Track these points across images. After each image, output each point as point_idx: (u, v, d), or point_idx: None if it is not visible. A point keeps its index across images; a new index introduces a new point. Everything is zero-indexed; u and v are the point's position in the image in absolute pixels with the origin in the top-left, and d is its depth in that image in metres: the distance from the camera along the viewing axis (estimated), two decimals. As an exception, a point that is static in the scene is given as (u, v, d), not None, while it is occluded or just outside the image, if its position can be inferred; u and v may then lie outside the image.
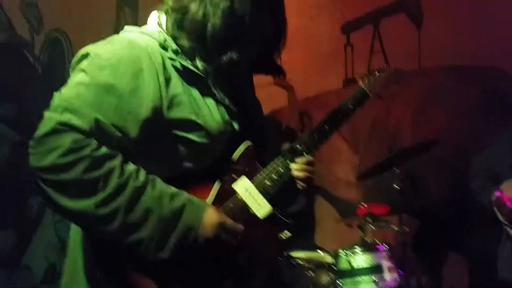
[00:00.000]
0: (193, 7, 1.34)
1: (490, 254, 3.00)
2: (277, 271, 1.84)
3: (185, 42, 1.35)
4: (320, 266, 2.94)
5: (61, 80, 1.35)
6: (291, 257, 2.93)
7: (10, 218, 2.76)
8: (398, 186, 3.18)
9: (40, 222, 2.79)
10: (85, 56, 1.29)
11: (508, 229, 2.86)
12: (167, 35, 1.37)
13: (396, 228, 3.18)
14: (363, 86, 1.74)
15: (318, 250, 3.13)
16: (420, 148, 3.38)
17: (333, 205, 4.37)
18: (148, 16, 1.46)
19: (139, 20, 3.00)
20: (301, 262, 2.93)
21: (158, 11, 1.43)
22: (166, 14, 1.40)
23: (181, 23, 1.36)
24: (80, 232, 1.35)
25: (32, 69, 2.76)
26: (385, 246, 2.96)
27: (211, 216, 1.30)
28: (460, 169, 3.42)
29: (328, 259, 2.97)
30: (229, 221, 1.34)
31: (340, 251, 2.92)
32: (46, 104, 1.26)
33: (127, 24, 1.48)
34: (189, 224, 1.26)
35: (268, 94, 4.06)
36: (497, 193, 2.97)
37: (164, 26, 1.39)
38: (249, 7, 1.33)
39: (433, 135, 3.73)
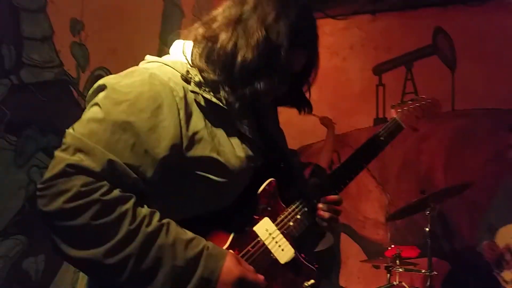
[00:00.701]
0: (223, 36, 1.19)
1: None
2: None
3: (210, 76, 1.20)
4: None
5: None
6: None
7: (43, 245, 2.72)
8: (429, 228, 3.01)
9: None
10: (102, 88, 1.14)
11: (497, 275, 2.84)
12: (192, 65, 1.22)
13: (424, 272, 3.00)
14: (396, 117, 1.57)
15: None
16: (453, 190, 3.23)
17: (360, 245, 4.17)
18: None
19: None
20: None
21: (183, 39, 1.28)
22: (194, 42, 1.25)
23: (209, 53, 1.21)
24: None
25: (76, 104, 2.79)
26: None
27: (230, 268, 1.11)
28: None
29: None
30: (250, 275, 1.14)
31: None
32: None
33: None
34: (205, 277, 1.08)
35: (298, 129, 3.98)
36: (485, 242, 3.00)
37: (188, 56, 1.24)
38: (284, 37, 1.18)
39: (466, 177, 3.56)
